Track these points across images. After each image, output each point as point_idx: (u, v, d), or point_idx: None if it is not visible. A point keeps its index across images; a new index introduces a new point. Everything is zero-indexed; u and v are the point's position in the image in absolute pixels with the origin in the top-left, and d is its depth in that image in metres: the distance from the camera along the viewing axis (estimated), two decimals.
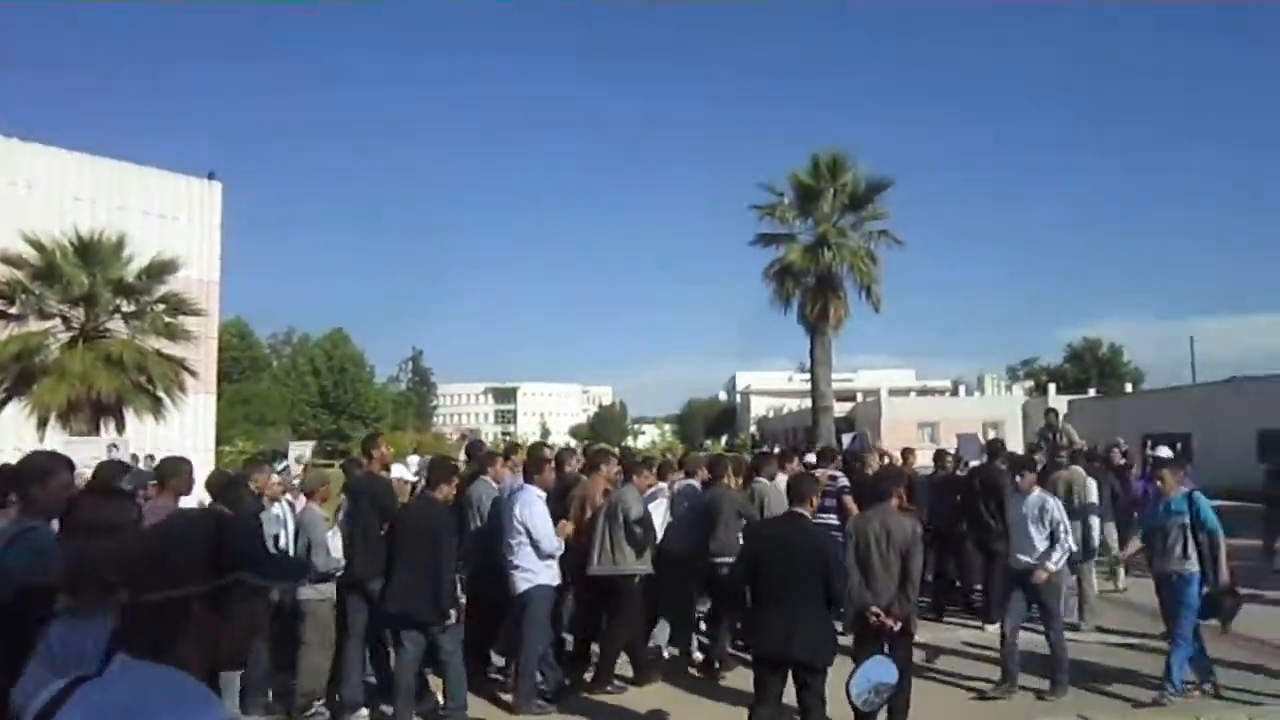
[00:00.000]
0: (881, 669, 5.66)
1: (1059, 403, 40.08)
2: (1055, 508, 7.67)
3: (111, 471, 6.43)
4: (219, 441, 34.87)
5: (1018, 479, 8.10)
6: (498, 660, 8.17)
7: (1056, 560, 7.51)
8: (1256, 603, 9.15)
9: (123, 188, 31.20)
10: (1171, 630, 7.40)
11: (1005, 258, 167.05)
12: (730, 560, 7.96)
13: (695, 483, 9.32)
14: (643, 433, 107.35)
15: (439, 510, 6.96)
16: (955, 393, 65.19)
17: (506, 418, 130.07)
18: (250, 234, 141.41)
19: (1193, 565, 7.32)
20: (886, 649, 6.22)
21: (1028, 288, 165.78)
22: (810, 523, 5.89)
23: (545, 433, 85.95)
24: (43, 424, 17.66)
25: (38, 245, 18.71)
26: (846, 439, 15.94)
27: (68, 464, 4.08)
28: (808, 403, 29.48)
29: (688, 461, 10.45)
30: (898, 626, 6.20)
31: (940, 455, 12.02)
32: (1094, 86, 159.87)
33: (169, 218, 32.11)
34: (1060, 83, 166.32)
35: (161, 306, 19.88)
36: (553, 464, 8.15)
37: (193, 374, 20.42)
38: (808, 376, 28.39)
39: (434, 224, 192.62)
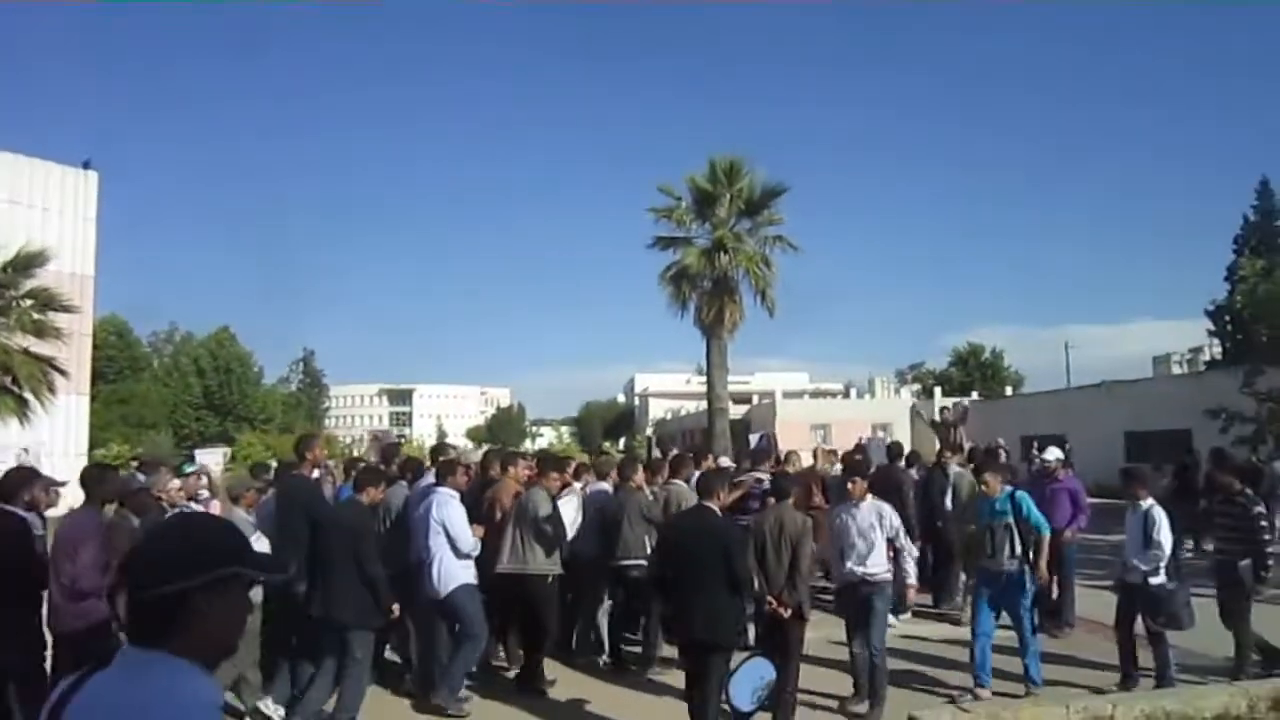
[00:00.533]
0: (761, 667, 5.78)
1: (945, 405, 41.59)
2: (892, 515, 7.43)
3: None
4: (93, 444, 33.18)
5: (849, 485, 7.59)
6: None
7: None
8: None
9: None
10: (1018, 631, 7.54)
11: (894, 266, 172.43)
12: (637, 562, 8.25)
13: (606, 486, 9.33)
14: (541, 435, 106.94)
15: (365, 514, 7.01)
16: (847, 395, 66.88)
17: (402, 420, 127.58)
18: (130, 229, 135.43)
19: (1020, 563, 7.52)
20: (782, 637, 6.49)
21: (916, 295, 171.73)
22: (716, 515, 6.14)
23: (442, 435, 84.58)
24: None
25: None
26: (754, 439, 16.14)
27: None
28: (705, 404, 29.83)
29: (599, 464, 10.39)
30: (788, 613, 6.44)
31: (850, 456, 12.24)
32: (974, 96, 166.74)
33: (39, 208, 30.45)
34: (940, 92, 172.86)
35: (29, 302, 18.77)
36: (465, 466, 8.36)
37: (63, 373, 19.33)
38: (705, 379, 28.68)
39: (326, 223, 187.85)
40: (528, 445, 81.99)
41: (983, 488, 7.99)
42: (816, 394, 72.27)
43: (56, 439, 25.41)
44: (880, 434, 36.06)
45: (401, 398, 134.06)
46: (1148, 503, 7.65)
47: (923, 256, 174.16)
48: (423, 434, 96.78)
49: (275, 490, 7.81)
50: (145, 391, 62.70)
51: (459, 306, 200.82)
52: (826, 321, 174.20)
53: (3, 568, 5.05)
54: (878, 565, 7.25)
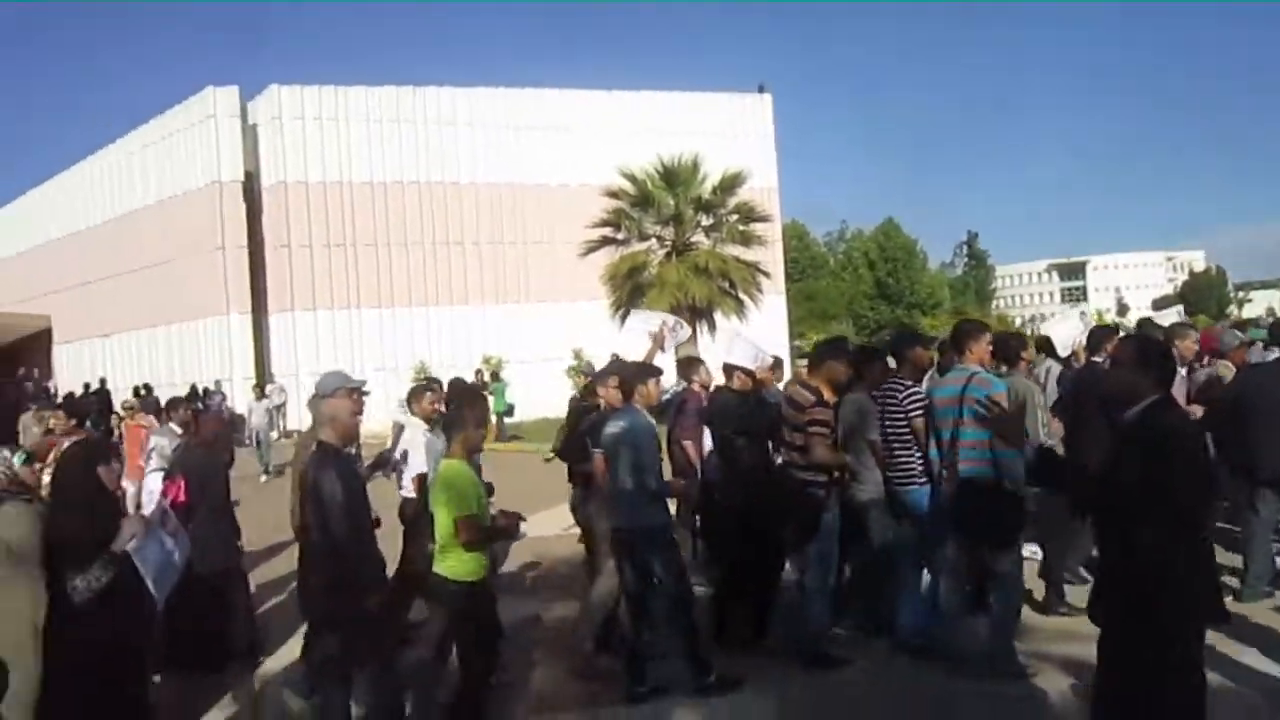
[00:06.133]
0: None
1: None
2: None
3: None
4: (791, 336, 37.65)
5: None
6: None
7: None
8: None
9: (689, 114, 34.53)
10: None
11: None
12: None
13: None
14: (1249, 300, 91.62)
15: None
16: None
17: (1074, 295, 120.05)
18: (797, 137, 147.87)
19: None
20: None
21: None
22: None
23: (1122, 309, 77.77)
24: None
25: (631, 177, 21.67)
26: None
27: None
28: None
29: None
30: None
31: None
32: None
33: (729, 135, 34.84)
34: None
35: (734, 217, 21.86)
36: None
37: (766, 275, 22.22)
38: None
39: (980, 97, 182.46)
40: (1233, 314, 71.15)
41: None
42: None
43: (763, 334, 29.18)
44: None
45: (1073, 271, 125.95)
46: None
47: None
48: (1101, 309, 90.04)
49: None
50: (825, 287, 68.89)
51: (1131, 164, 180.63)
52: None
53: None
54: None
